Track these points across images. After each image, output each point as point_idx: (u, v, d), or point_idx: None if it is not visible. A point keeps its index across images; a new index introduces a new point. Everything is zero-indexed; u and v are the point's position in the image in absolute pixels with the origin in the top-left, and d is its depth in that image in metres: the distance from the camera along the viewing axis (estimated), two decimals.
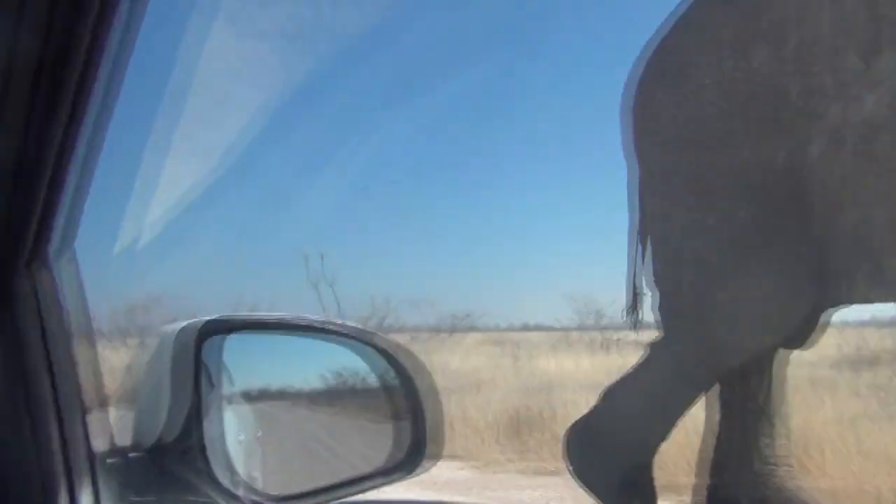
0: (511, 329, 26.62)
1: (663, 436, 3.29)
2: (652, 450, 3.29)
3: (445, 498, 5.32)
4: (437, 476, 6.04)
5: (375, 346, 1.49)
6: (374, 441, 1.55)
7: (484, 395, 9.33)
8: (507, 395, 9.05)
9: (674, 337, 3.19)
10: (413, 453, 1.42)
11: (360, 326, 1.54)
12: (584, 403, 7.79)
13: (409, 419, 1.44)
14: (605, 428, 3.35)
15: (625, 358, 13.60)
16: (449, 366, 14.29)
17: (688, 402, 3.24)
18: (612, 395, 3.40)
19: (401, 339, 19.88)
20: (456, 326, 25.34)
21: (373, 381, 1.55)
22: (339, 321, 1.54)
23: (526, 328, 32.85)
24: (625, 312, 3.82)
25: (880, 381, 8.75)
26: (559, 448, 6.39)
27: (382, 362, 1.49)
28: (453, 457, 6.79)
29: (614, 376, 10.52)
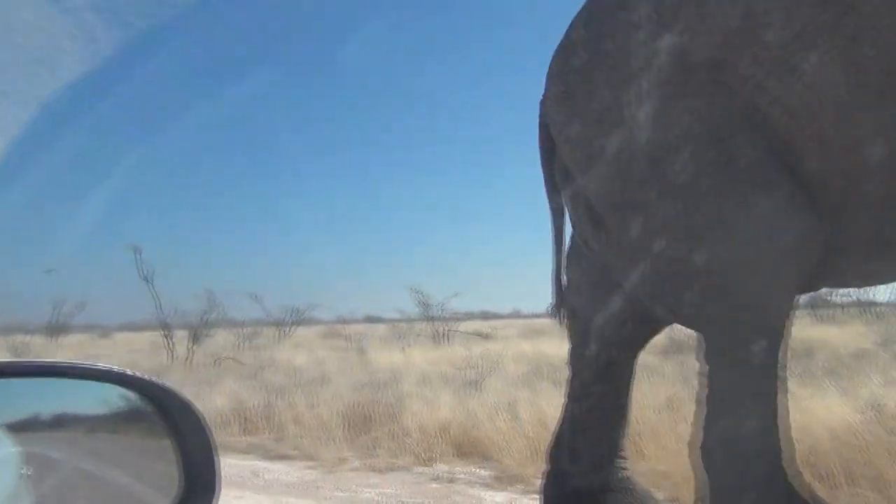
0: (355, 321, 26.54)
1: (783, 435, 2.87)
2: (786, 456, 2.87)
3: (293, 499, 5.15)
4: (285, 477, 5.85)
5: (135, 388, 1.49)
6: (149, 483, 1.55)
7: (331, 390, 9.19)
8: (355, 389, 8.94)
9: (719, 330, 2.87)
10: (186, 497, 1.41)
11: (118, 369, 1.49)
12: (431, 396, 7.89)
13: (178, 461, 1.44)
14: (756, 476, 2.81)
15: (469, 349, 13.97)
16: (294, 360, 13.96)
17: (778, 384, 2.86)
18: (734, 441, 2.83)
19: (243, 332, 19.18)
20: (299, 319, 24.91)
21: (139, 422, 1.54)
22: (97, 364, 1.51)
23: (370, 320, 32.85)
24: (551, 308, 3.81)
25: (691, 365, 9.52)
26: (409, 441, 6.43)
27: (147, 404, 1.49)
28: (302, 455, 6.60)
29: (458, 367, 10.72)
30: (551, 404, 6.54)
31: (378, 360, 13.89)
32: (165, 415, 1.46)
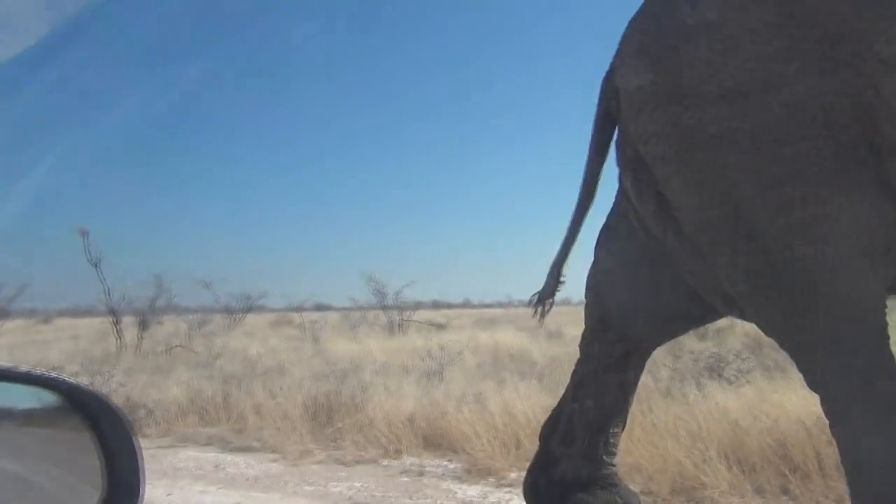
0: (306, 309, 26.23)
1: None
2: None
3: (260, 494, 5.02)
4: (249, 470, 5.70)
5: (58, 391, 1.48)
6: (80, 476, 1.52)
7: (289, 380, 9.02)
8: (314, 379, 8.79)
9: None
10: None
11: (39, 371, 1.49)
12: (393, 386, 7.80)
13: (101, 466, 1.43)
14: None
15: (426, 338, 13.92)
16: (247, 349, 13.70)
17: None
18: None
19: (192, 319, 18.74)
20: (249, 306, 24.50)
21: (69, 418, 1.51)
22: (19, 366, 1.51)
23: (320, 308, 32.53)
24: (536, 298, 3.53)
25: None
26: (375, 433, 6.34)
27: (71, 408, 1.47)
28: (265, 448, 6.44)
29: (418, 356, 10.63)
30: (518, 395, 6.54)
31: (334, 349, 13.72)
32: (90, 419, 1.45)
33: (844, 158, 2.46)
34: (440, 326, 19.75)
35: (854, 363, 2.49)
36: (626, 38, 2.97)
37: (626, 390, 3.53)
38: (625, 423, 3.60)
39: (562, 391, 6.41)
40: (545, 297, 3.53)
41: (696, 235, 2.77)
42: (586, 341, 3.55)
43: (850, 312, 2.51)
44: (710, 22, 2.62)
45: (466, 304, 51.96)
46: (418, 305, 23.67)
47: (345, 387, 7.94)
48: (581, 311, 3.65)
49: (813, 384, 2.62)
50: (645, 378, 7.19)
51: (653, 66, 2.77)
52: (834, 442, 3.26)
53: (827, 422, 2.73)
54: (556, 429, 3.59)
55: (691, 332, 13.06)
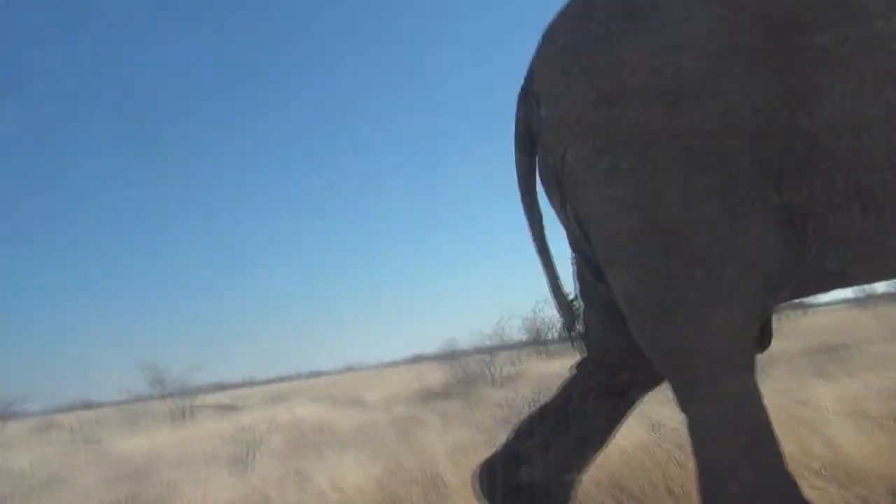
0: (75, 408, 23.74)
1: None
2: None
3: None
4: None
5: None
6: None
7: (73, 493, 8.06)
8: (104, 486, 7.99)
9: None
10: None
11: None
12: (201, 479, 7.30)
13: None
14: None
15: (219, 423, 13.19)
16: (11, 463, 12.05)
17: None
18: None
19: None
20: (7, 413, 21.71)
21: None
22: None
23: (90, 405, 29.57)
24: (560, 329, 3.09)
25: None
26: None
27: None
28: None
29: (218, 443, 10.05)
30: (340, 466, 6.40)
31: (119, 448, 12.53)
32: None
33: (764, 175, 2.38)
34: (231, 408, 18.89)
35: (724, 386, 2.46)
36: (550, 40, 2.76)
37: (614, 417, 3.18)
38: (601, 447, 3.23)
39: (384, 456, 6.44)
40: (571, 325, 3.14)
41: (606, 248, 2.61)
42: (582, 367, 3.20)
43: (736, 341, 2.46)
44: (647, 16, 2.50)
45: (251, 382, 49.85)
46: (199, 390, 22.42)
47: (145, 488, 7.32)
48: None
49: (684, 404, 2.54)
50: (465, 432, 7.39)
51: (584, 66, 2.57)
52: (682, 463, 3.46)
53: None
54: (531, 432, 3.27)
55: (480, 381, 13.40)
